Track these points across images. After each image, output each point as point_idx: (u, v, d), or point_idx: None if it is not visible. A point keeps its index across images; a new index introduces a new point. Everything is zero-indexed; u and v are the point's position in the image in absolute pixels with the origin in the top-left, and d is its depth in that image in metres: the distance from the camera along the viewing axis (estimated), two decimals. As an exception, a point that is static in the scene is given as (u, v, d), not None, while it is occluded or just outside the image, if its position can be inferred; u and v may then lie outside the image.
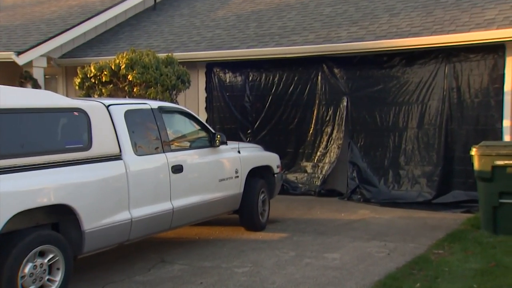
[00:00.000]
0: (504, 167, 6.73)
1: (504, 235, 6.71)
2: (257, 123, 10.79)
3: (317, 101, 10.31)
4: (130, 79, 8.48)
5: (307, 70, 10.37)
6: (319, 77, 10.28)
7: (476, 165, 6.94)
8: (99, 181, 5.22)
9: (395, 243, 6.73)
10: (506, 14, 8.75)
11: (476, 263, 5.73)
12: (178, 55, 9.97)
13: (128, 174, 5.47)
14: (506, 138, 8.62)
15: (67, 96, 8.86)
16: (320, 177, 10.22)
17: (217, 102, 11.14)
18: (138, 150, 5.71)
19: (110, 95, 8.65)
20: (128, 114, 5.74)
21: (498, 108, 8.79)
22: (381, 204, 9.30)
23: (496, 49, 8.74)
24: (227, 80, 11.07)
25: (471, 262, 5.77)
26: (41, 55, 11.05)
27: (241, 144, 7.61)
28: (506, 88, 8.68)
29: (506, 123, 8.69)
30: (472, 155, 7.01)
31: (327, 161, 10.20)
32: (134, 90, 8.56)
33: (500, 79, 8.75)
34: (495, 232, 6.85)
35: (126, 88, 8.60)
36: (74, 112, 5.23)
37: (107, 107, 5.60)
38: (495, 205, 6.85)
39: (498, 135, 8.74)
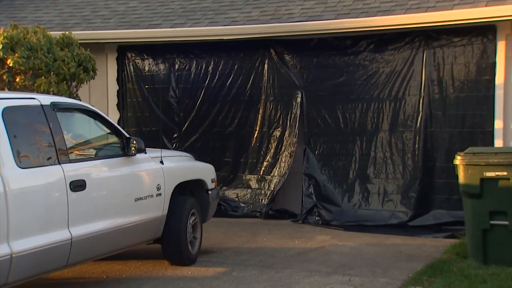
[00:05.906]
0: (496, 179, 6.89)
1: (496, 265, 6.86)
2: (186, 124, 10.75)
3: (263, 97, 10.35)
4: (11, 64, 8.29)
5: (250, 56, 10.40)
6: (266, 66, 10.32)
7: (462, 177, 7.08)
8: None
9: (362, 277, 6.80)
10: (497, -13, 9.02)
11: (462, 302, 5.84)
12: (79, 34, 9.77)
13: (7, 194, 5.27)
14: (498, 143, 8.87)
15: None
16: (268, 194, 10.23)
17: (132, 97, 11.04)
18: (23, 161, 5.55)
19: (-20, 87, 8.40)
20: (8, 113, 5.56)
21: (488, 105, 9.05)
22: (345, 227, 9.39)
23: (486, 31, 9.00)
24: (146, 69, 10.97)
25: (456, 300, 5.89)
26: None
27: (165, 152, 7.58)
28: (498, 80, 8.94)
29: (498, 124, 8.95)
30: (456, 164, 7.15)
31: (276, 173, 10.23)
32: (17, 79, 8.38)
33: (491, 68, 9.01)
34: (485, 262, 7.00)
35: (4, 76, 8.40)
36: None
37: (-22, 103, 5.42)
38: (485, 227, 7.00)
39: (489, 139, 8.99)
